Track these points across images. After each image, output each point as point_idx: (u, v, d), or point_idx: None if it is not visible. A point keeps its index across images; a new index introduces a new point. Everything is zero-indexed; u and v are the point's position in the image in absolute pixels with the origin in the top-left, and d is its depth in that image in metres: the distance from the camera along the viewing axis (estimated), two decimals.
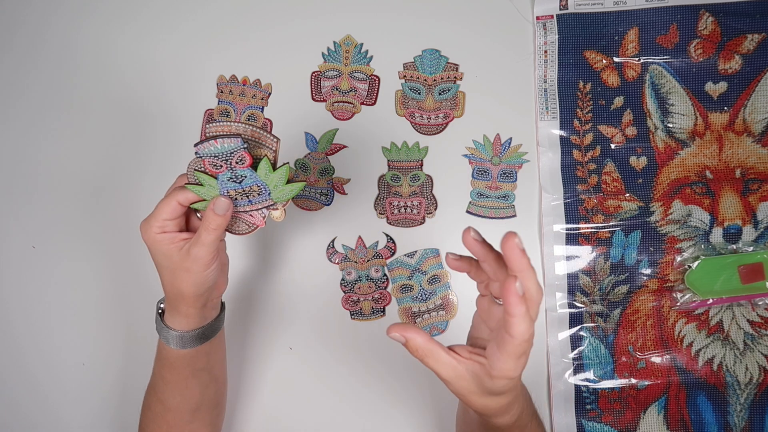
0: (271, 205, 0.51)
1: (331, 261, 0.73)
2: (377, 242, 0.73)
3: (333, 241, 0.73)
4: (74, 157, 0.75)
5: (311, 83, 0.75)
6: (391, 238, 0.73)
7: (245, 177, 0.49)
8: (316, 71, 0.75)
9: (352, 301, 0.73)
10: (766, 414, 0.69)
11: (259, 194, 0.50)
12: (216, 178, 0.49)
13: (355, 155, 0.74)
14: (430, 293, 0.72)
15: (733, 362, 0.69)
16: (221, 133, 0.48)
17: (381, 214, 0.73)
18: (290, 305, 0.73)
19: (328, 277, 0.73)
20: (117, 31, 0.76)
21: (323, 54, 0.75)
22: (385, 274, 0.73)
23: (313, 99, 0.75)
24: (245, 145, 0.47)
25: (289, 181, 0.50)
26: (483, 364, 0.41)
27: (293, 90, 0.75)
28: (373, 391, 0.72)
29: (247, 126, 0.48)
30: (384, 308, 0.73)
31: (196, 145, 0.47)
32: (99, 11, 0.77)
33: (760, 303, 0.69)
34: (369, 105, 0.74)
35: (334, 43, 0.75)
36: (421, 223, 0.73)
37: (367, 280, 0.73)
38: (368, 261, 0.73)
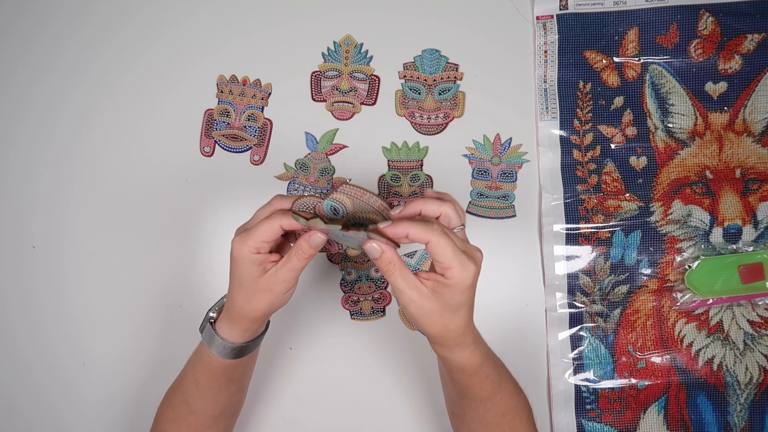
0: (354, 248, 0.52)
1: (331, 261, 0.73)
2: None
3: None
4: (73, 156, 0.75)
5: (311, 83, 0.75)
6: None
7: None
8: (316, 71, 0.75)
9: (352, 301, 0.73)
10: (766, 414, 0.69)
11: (353, 239, 0.51)
12: None
13: (355, 155, 0.74)
14: None
15: (733, 362, 0.69)
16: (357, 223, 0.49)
17: None
18: (290, 305, 0.72)
19: (328, 277, 0.73)
20: (116, 30, 0.76)
21: (323, 54, 0.75)
22: None
23: (313, 99, 0.75)
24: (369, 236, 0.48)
25: None
26: (437, 279, 0.47)
27: (293, 90, 0.74)
28: (372, 390, 0.72)
29: (377, 199, 0.48)
30: (384, 308, 0.73)
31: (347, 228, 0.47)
32: (98, 10, 0.76)
33: (760, 303, 0.69)
34: (369, 105, 0.74)
35: (334, 43, 0.75)
36: None
37: (367, 280, 0.73)
38: (368, 261, 0.73)
